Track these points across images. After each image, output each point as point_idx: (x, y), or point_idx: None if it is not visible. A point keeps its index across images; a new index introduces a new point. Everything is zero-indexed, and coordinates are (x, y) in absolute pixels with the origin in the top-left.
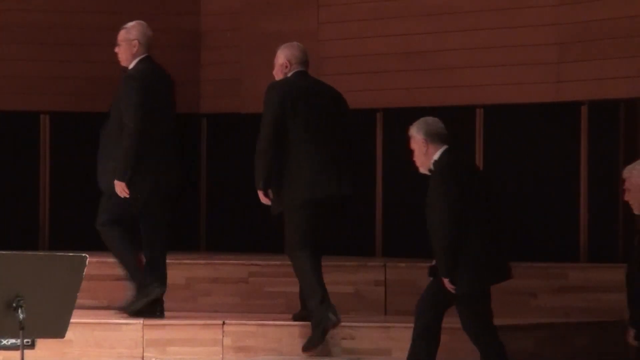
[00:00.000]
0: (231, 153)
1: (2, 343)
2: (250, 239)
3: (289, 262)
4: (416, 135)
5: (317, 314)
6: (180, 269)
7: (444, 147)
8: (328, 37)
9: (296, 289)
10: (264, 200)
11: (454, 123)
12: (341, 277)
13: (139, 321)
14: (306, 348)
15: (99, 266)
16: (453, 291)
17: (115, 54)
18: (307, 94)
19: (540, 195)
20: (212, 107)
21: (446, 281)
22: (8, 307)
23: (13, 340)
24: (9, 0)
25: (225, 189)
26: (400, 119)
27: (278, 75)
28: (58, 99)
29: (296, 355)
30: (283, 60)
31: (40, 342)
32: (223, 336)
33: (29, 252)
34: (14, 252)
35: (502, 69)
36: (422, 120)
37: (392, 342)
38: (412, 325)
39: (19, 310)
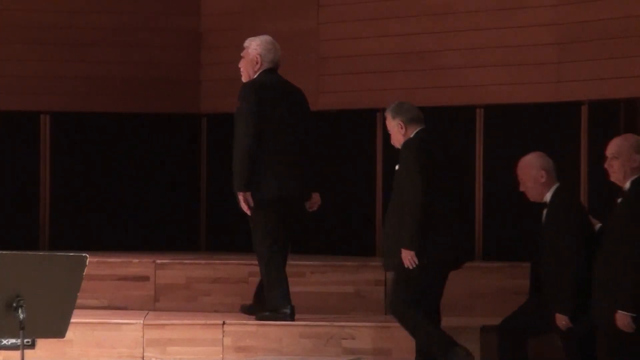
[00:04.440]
0: (231, 153)
1: (2, 343)
2: (250, 239)
3: (290, 262)
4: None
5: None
6: (180, 269)
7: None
8: (328, 37)
9: (296, 289)
10: None
11: (454, 123)
12: (341, 277)
13: (139, 321)
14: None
15: (99, 266)
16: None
17: (115, 54)
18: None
19: None
20: (212, 107)
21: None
22: (8, 307)
23: (13, 340)
24: (9, 0)
25: (225, 189)
26: None
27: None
28: (58, 99)
29: (296, 355)
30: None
31: (40, 342)
32: (223, 336)
33: (29, 252)
34: (14, 252)
35: (502, 69)
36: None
37: (392, 342)
38: None
39: (19, 310)
